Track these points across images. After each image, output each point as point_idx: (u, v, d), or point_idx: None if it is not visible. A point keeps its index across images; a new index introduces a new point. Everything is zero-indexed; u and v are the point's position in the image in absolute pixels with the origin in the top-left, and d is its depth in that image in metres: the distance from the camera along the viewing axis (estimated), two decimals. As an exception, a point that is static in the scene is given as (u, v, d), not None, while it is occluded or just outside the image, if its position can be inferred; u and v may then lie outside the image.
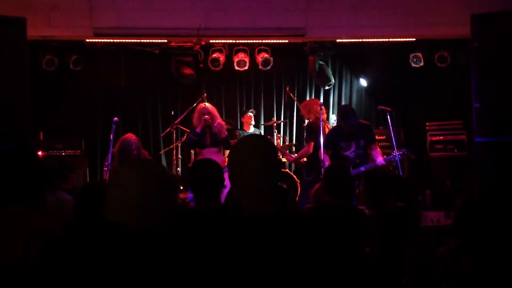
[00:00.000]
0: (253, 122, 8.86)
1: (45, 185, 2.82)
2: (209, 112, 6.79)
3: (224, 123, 7.16)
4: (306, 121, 7.26)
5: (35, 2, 7.52)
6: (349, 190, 3.93)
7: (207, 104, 7.04)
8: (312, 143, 6.59)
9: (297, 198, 7.93)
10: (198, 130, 6.72)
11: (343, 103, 9.52)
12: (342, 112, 6.46)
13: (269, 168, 2.17)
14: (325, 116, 6.92)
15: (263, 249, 2.00)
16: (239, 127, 9.11)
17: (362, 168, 6.20)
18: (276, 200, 2.17)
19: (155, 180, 2.11)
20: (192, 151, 8.52)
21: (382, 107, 6.67)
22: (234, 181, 2.17)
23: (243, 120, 8.96)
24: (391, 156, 6.37)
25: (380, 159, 6.27)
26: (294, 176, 7.99)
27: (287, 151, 8.15)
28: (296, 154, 7.70)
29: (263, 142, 2.27)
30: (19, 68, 5.62)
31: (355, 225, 3.58)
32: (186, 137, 7.57)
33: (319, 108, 6.56)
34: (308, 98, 9.49)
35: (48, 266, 2.00)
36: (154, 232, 2.07)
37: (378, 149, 6.42)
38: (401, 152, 6.34)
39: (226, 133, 6.93)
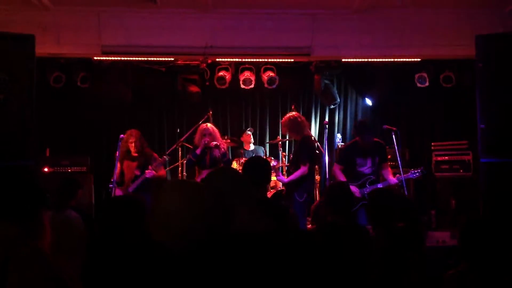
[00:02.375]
0: (252, 141, 8.87)
1: (39, 206, 2.81)
2: (209, 134, 6.84)
3: (225, 145, 7.17)
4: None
5: (44, 19, 7.61)
6: (351, 208, 3.92)
7: (208, 124, 7.08)
8: (309, 164, 6.46)
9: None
10: (198, 152, 6.79)
11: (348, 122, 9.54)
12: (359, 127, 6.43)
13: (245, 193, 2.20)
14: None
15: (261, 268, 1.99)
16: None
17: (380, 185, 6.22)
18: (266, 220, 2.18)
19: (197, 201, 2.12)
20: (197, 168, 8.53)
21: (387, 126, 6.67)
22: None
23: (242, 139, 8.95)
24: (409, 173, 6.38)
25: (392, 178, 6.25)
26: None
27: (279, 171, 7.94)
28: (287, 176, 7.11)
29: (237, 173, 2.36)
30: (27, 84, 5.67)
31: (359, 244, 3.56)
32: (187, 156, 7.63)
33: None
34: (313, 117, 9.51)
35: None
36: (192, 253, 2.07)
37: (389, 169, 6.40)
38: (418, 170, 6.33)
39: (227, 155, 7.00)
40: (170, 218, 2.05)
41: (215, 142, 6.82)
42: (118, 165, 6.68)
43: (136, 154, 6.71)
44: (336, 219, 3.68)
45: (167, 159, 7.03)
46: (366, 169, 6.30)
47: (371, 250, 3.62)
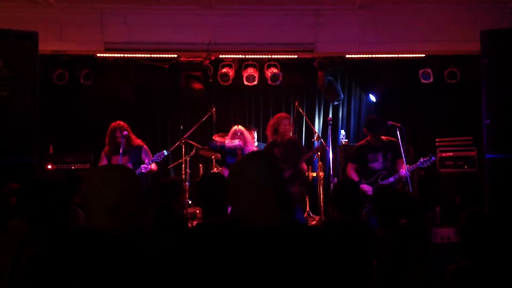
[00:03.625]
0: (255, 139, 8.78)
1: (60, 208, 2.82)
2: (241, 133, 7.15)
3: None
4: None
5: (47, 17, 7.61)
6: (357, 206, 3.92)
7: (240, 127, 7.37)
8: None
9: (305, 214, 7.92)
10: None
11: (352, 118, 9.51)
12: (367, 124, 6.66)
13: (272, 182, 2.16)
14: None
15: (272, 263, 1.99)
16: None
17: (391, 179, 6.33)
18: (281, 214, 2.16)
19: (124, 184, 2.14)
20: (201, 165, 8.52)
21: (391, 122, 6.68)
22: (234, 196, 2.17)
23: None
24: (418, 163, 6.51)
25: (402, 170, 6.35)
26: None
27: None
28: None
29: (267, 158, 2.28)
30: (31, 81, 5.68)
31: (363, 242, 3.55)
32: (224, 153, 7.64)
33: None
34: (317, 113, 9.49)
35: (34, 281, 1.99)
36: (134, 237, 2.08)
37: (404, 165, 6.45)
38: (427, 158, 6.41)
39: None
40: (102, 204, 2.05)
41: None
42: (104, 158, 6.63)
43: (125, 149, 6.62)
44: (342, 217, 3.67)
45: (165, 153, 6.91)
46: (378, 164, 6.46)
47: (376, 248, 3.61)
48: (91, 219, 2.07)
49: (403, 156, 6.38)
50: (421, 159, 6.49)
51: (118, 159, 6.52)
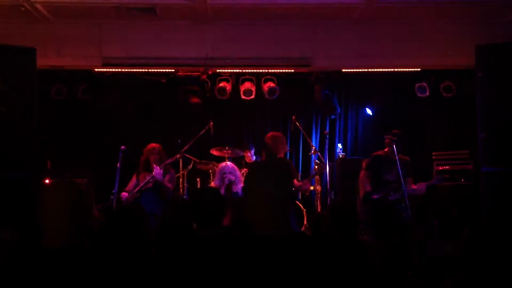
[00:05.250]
0: (253, 156, 8.73)
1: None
2: (230, 172, 7.16)
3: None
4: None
5: (45, 32, 7.66)
6: (354, 224, 3.94)
7: (228, 163, 7.40)
8: None
9: (303, 228, 7.91)
10: (222, 192, 6.89)
11: (349, 132, 9.54)
12: (394, 136, 6.60)
13: (280, 193, 2.20)
14: None
15: (272, 270, 2.00)
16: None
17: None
18: (286, 223, 2.19)
19: (70, 200, 2.21)
20: (199, 179, 8.51)
21: (388, 136, 6.68)
22: (247, 204, 2.20)
23: (245, 154, 8.78)
24: (433, 180, 6.62)
25: (416, 187, 6.39)
26: (301, 205, 7.96)
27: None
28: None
29: (278, 168, 2.31)
30: (29, 97, 5.70)
31: (357, 258, 3.56)
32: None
33: None
34: (314, 127, 9.52)
35: None
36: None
37: (412, 185, 6.47)
38: (441, 177, 6.48)
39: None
40: (53, 217, 2.12)
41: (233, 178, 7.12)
42: (134, 177, 6.62)
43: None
44: (338, 235, 3.69)
45: (179, 156, 6.91)
46: (391, 176, 6.42)
47: (371, 263, 3.61)
48: (47, 230, 2.13)
49: (399, 169, 6.38)
50: (436, 177, 6.61)
51: (146, 175, 6.55)
